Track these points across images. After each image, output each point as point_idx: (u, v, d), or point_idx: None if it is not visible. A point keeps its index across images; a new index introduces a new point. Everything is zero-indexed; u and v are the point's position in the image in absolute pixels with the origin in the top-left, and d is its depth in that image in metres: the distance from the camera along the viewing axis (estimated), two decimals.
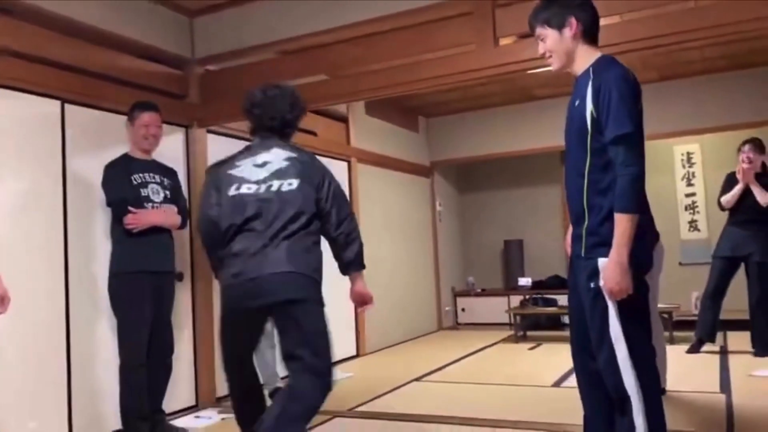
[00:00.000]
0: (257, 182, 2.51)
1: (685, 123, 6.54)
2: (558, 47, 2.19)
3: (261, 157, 2.57)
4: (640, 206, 2.03)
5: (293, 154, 2.58)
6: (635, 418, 2.07)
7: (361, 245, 2.64)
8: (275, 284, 2.42)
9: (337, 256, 2.65)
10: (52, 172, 3.46)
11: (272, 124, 2.64)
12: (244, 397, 2.69)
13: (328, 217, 2.56)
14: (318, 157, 2.72)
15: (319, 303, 2.51)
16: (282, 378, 4.45)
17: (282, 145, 2.62)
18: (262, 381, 4.38)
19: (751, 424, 3.22)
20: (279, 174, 2.51)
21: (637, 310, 2.11)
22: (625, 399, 2.09)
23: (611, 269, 2.03)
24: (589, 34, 2.18)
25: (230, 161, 2.62)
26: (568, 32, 2.16)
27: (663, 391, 3.74)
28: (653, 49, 3.37)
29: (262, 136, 2.67)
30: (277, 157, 2.56)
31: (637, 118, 2.06)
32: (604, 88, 2.06)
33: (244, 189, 2.51)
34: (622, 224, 2.02)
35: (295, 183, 2.50)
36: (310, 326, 2.45)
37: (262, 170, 2.53)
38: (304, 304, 2.46)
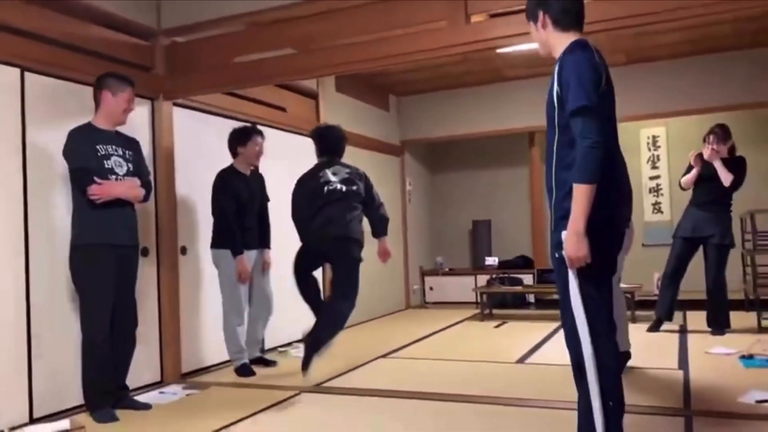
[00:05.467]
0: (334, 182, 4.14)
1: (651, 106, 6.64)
2: (536, 38, 2.41)
3: (333, 169, 4.21)
4: (597, 177, 2.10)
5: (350, 170, 4.25)
6: (590, 383, 2.18)
7: (386, 221, 4.37)
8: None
9: (373, 225, 4.36)
10: (11, 142, 3.35)
11: (332, 148, 4.31)
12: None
13: (371, 204, 4.29)
14: (354, 166, 4.33)
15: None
16: (257, 355, 4.46)
17: (342, 164, 4.26)
18: (228, 356, 4.39)
19: (706, 398, 3.32)
20: (345, 181, 4.17)
21: (595, 279, 2.20)
22: (582, 365, 2.20)
23: (568, 238, 2.14)
24: (561, 23, 2.31)
25: (314, 172, 4.23)
26: (540, 24, 2.35)
27: (628, 354, 3.85)
28: (620, 30, 3.40)
29: (324, 154, 4.31)
30: (338, 169, 4.22)
31: (595, 95, 2.14)
32: (565, 68, 2.20)
33: (328, 187, 4.13)
34: (578, 194, 2.11)
35: (354, 186, 4.18)
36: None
37: (336, 176, 4.17)
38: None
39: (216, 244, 4.32)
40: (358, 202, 4.20)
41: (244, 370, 4.30)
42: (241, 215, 4.28)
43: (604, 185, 2.13)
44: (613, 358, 2.23)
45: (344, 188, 4.16)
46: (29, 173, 3.42)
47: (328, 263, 4.36)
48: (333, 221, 4.09)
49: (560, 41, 2.30)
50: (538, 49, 2.45)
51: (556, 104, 2.23)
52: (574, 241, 2.12)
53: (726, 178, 4.89)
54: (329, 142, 4.32)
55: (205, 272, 4.56)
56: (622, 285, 4.23)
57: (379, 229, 4.37)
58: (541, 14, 2.33)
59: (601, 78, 2.18)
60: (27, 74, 3.46)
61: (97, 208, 3.32)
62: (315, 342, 3.94)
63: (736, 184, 4.92)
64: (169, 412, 3.53)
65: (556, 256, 2.24)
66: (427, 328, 6.12)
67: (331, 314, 4.06)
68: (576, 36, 2.30)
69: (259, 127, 5.03)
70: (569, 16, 2.30)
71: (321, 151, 4.33)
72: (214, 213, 4.33)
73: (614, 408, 2.18)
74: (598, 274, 2.20)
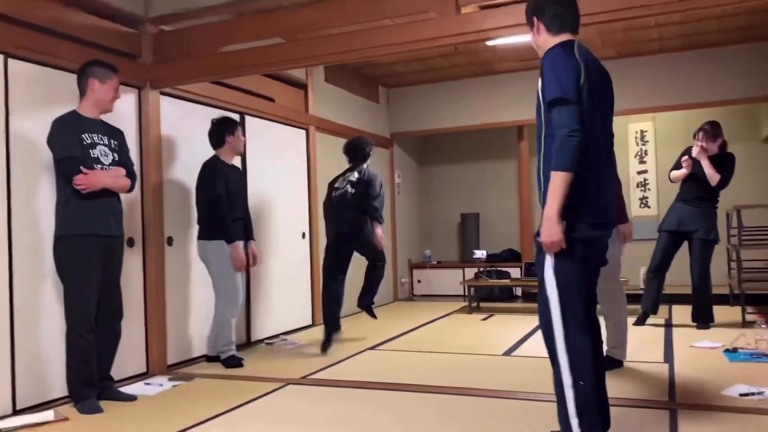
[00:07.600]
0: (341, 186, 4.77)
1: (640, 101, 6.66)
2: (533, 42, 2.51)
3: (347, 175, 4.81)
4: (573, 165, 2.17)
5: (359, 175, 4.76)
6: (562, 371, 2.25)
7: (372, 209, 4.70)
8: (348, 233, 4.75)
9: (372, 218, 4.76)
10: None
11: (356, 155, 4.90)
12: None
13: (369, 201, 4.69)
14: (370, 170, 4.85)
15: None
16: (236, 347, 4.44)
17: (358, 169, 4.80)
18: (215, 352, 4.36)
19: (691, 391, 3.35)
20: (351, 184, 4.73)
21: (572, 264, 2.26)
22: (554, 353, 2.27)
23: (543, 223, 2.23)
24: (554, 28, 2.40)
25: (340, 176, 4.91)
26: (535, 29, 2.47)
27: (620, 363, 3.87)
28: (610, 22, 3.40)
29: (352, 162, 4.91)
30: (352, 174, 4.78)
31: (571, 88, 2.21)
32: (544, 65, 2.32)
33: (337, 192, 4.78)
34: (554, 181, 2.20)
35: (351, 188, 4.71)
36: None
37: (345, 181, 4.78)
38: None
39: (205, 235, 4.27)
40: (357, 199, 4.65)
41: (231, 362, 4.28)
42: (231, 205, 4.26)
43: (583, 175, 2.21)
44: (583, 340, 2.27)
45: (344, 189, 4.76)
46: (12, 162, 3.37)
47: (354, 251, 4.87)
48: (338, 220, 4.72)
49: (553, 44, 2.37)
50: (537, 52, 2.52)
51: (540, 101, 2.32)
52: (547, 226, 2.21)
53: (713, 177, 4.90)
54: (349, 150, 4.92)
55: (192, 263, 4.53)
56: None
57: (369, 216, 4.76)
58: (535, 20, 2.43)
59: (580, 75, 2.25)
60: (10, 60, 3.40)
61: (83, 197, 3.28)
62: (369, 292, 5.00)
63: (723, 182, 4.93)
64: (155, 403, 3.51)
65: (538, 240, 2.32)
66: (414, 320, 6.13)
67: (373, 274, 4.99)
68: (566, 37, 2.38)
69: (248, 117, 4.99)
70: (561, 22, 2.39)
71: (348, 160, 4.94)
72: (201, 203, 4.29)
73: (585, 387, 2.23)
74: (578, 260, 2.27)
